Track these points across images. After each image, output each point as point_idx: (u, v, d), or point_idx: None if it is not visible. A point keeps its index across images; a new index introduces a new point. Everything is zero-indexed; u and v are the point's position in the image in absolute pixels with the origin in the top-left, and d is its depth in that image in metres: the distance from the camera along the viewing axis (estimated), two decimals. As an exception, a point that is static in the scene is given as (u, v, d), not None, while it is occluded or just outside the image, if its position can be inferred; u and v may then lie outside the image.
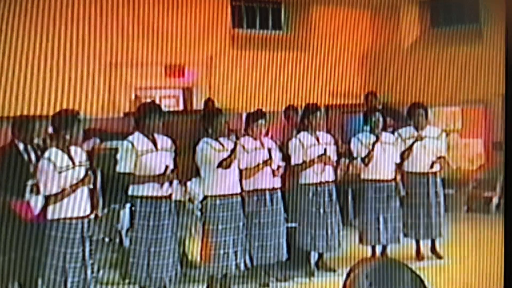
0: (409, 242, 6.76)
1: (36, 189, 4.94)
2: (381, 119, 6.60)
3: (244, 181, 5.91)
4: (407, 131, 6.81)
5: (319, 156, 6.17)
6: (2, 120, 6.51)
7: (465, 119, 10.22)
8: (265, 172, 5.94)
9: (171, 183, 5.41)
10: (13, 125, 5.60)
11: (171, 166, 5.38)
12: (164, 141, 5.46)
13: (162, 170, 5.31)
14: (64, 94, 7.87)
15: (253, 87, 9.39)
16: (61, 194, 4.74)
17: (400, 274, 1.65)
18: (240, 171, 5.83)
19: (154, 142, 5.38)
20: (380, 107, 8.53)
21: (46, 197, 4.78)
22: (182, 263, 5.71)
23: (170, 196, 5.44)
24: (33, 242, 5.03)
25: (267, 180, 5.97)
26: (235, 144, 5.67)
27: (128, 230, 5.75)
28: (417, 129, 6.74)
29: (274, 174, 5.99)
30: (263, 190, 5.97)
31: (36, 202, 4.89)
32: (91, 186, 4.99)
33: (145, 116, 5.39)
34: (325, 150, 6.20)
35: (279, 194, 6.06)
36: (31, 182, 5.06)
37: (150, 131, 5.38)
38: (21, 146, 5.52)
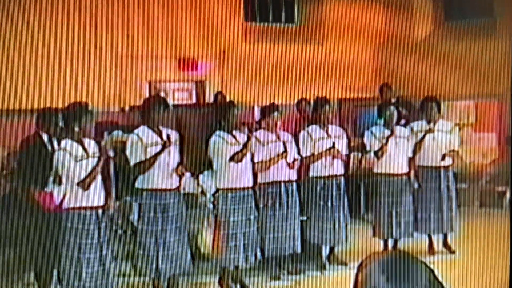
0: (421, 236, 6.74)
1: (58, 180, 5.00)
2: (395, 113, 6.58)
3: (259, 174, 5.93)
4: (419, 124, 6.78)
5: (327, 150, 6.17)
6: (22, 112, 6.60)
7: (478, 113, 10.14)
8: (281, 165, 5.96)
9: (180, 177, 5.44)
10: (38, 117, 5.65)
11: (177, 159, 5.42)
12: (170, 135, 5.48)
13: (169, 163, 5.34)
14: (78, 87, 7.91)
15: (266, 80, 9.38)
16: (86, 181, 4.80)
17: (415, 267, 1.64)
18: (253, 164, 5.84)
19: (160, 135, 5.41)
20: (394, 99, 8.50)
21: (68, 187, 4.84)
22: (194, 255, 5.74)
23: (178, 188, 5.48)
24: (51, 233, 5.08)
25: (283, 173, 5.99)
26: (248, 138, 5.68)
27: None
28: (429, 122, 6.71)
29: (289, 166, 6.00)
30: (279, 182, 5.98)
31: (59, 193, 4.96)
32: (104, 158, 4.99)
33: (150, 110, 5.41)
34: (333, 143, 6.20)
35: (294, 186, 6.07)
36: (54, 172, 5.12)
37: (156, 125, 5.39)
38: (45, 137, 5.57)
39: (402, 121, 7.16)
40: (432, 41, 10.85)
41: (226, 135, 5.68)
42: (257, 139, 5.88)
